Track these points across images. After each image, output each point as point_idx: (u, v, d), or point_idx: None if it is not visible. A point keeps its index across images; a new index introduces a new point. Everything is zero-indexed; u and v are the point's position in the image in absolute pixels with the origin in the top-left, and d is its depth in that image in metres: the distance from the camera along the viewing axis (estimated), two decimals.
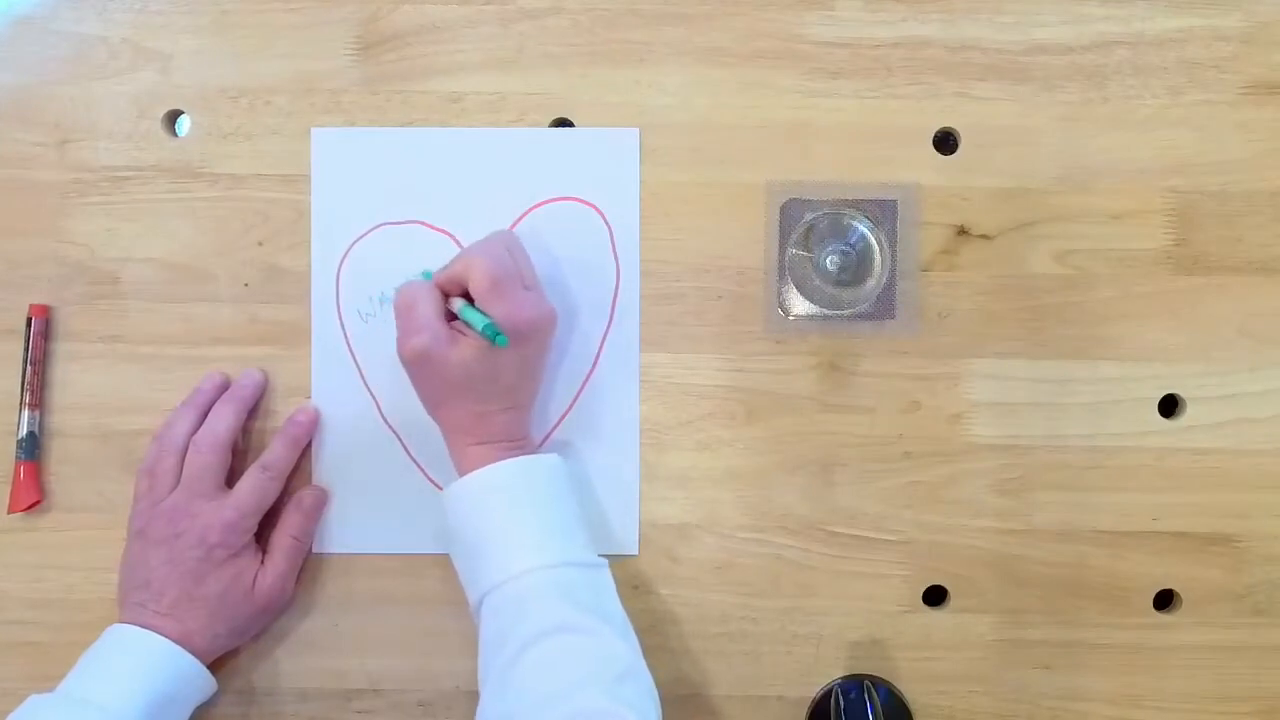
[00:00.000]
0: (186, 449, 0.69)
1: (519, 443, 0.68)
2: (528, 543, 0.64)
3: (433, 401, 0.68)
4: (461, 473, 0.67)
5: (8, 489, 0.72)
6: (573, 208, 0.73)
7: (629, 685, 0.61)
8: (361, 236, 0.73)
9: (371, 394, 0.73)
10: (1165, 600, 0.73)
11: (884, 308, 0.72)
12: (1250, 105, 0.72)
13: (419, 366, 0.66)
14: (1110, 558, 0.72)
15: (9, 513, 0.72)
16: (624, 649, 0.62)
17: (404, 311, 0.66)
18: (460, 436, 0.67)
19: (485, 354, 0.65)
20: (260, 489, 0.69)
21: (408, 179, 0.73)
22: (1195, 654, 0.72)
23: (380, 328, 0.72)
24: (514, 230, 0.72)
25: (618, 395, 0.73)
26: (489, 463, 0.66)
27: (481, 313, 0.65)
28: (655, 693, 0.62)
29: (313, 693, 0.73)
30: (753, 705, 0.73)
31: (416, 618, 0.73)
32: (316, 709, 0.73)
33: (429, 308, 0.66)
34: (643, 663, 0.63)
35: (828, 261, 0.70)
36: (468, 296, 0.67)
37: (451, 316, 0.67)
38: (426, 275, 0.69)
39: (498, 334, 0.64)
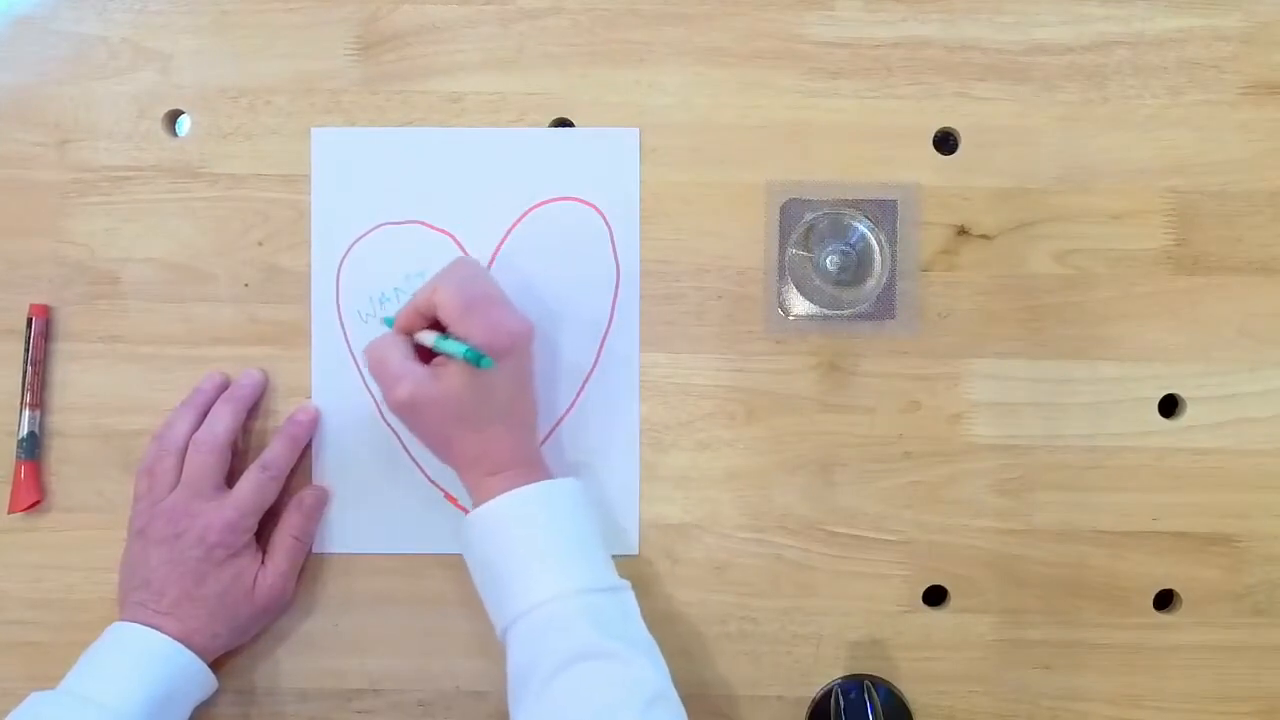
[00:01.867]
0: (186, 449, 0.69)
1: (531, 466, 0.68)
2: (550, 569, 0.64)
3: (438, 443, 0.67)
4: (479, 505, 0.66)
5: (8, 489, 0.72)
6: (573, 208, 0.73)
7: (659, 710, 0.60)
8: (361, 236, 0.73)
9: (372, 394, 0.73)
10: (1165, 600, 0.73)
11: (884, 308, 0.72)
12: (1250, 105, 0.72)
13: (411, 414, 0.66)
14: (1110, 558, 0.72)
15: (9, 513, 0.72)
16: (652, 673, 0.62)
17: (377, 368, 0.66)
18: (473, 471, 0.67)
19: (472, 379, 0.65)
20: (260, 488, 0.69)
21: (408, 179, 0.73)
22: (1195, 654, 0.72)
23: (380, 328, 0.72)
24: (507, 232, 0.72)
25: (618, 395, 0.73)
26: (507, 489, 0.65)
27: (457, 340, 0.64)
28: (684, 716, 0.61)
29: (313, 693, 0.73)
30: (753, 705, 0.73)
31: (416, 618, 0.73)
32: (316, 709, 0.73)
33: (399, 355, 0.66)
34: (671, 686, 0.62)
35: (828, 261, 0.70)
36: (437, 327, 0.66)
37: (426, 355, 0.67)
38: (389, 322, 0.68)
39: (481, 357, 0.63)
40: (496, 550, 0.65)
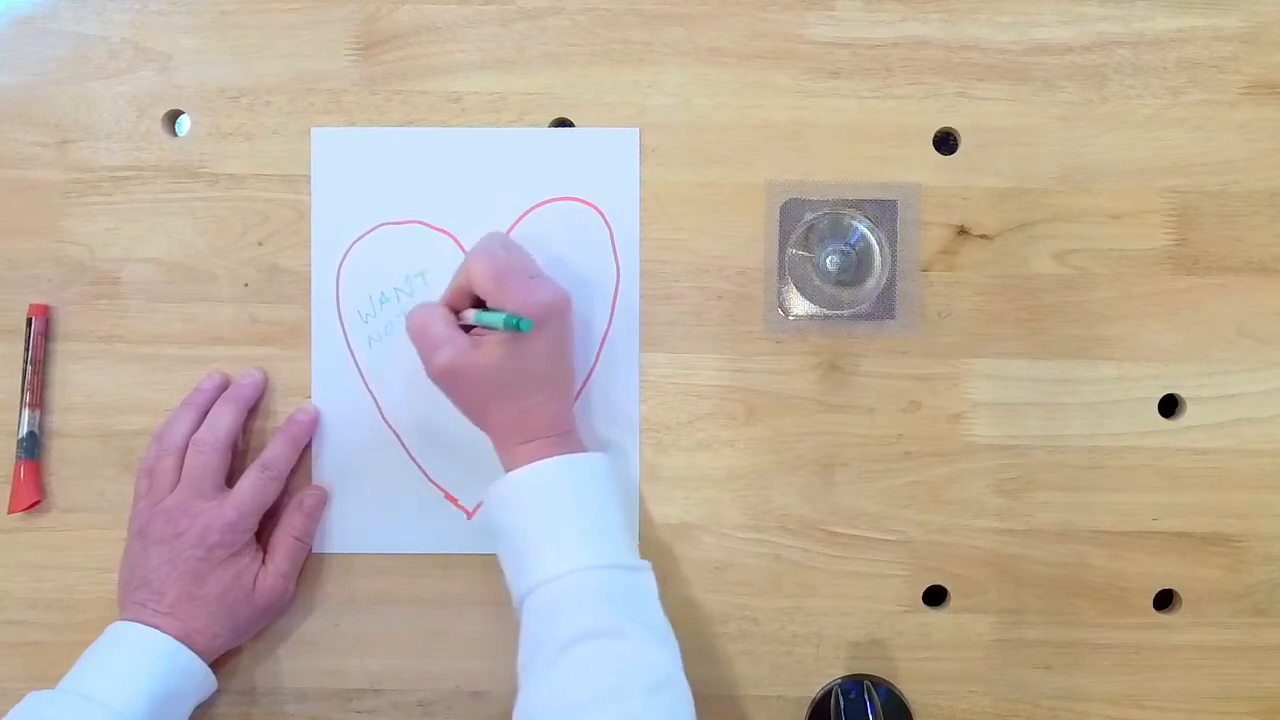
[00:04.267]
0: (186, 449, 0.69)
1: (565, 436, 0.67)
2: (569, 543, 0.64)
3: (475, 411, 0.67)
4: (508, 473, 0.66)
5: (8, 489, 0.72)
6: (573, 208, 0.73)
7: (665, 694, 0.60)
8: (361, 236, 0.73)
9: (371, 394, 0.73)
10: (1165, 600, 0.73)
11: (884, 308, 0.72)
12: (1250, 105, 0.72)
13: (451, 381, 0.66)
14: (1110, 558, 0.72)
15: (9, 513, 0.72)
16: (662, 656, 0.61)
17: (418, 334, 0.66)
18: (508, 439, 0.67)
19: (512, 348, 0.65)
20: (260, 489, 0.69)
21: (408, 179, 0.73)
22: (1195, 654, 0.72)
23: (380, 327, 0.72)
24: (508, 232, 0.72)
25: (618, 395, 0.73)
26: (537, 458, 0.65)
27: (495, 312, 0.65)
28: (691, 702, 0.61)
29: (313, 693, 0.73)
30: (753, 705, 0.73)
31: (416, 618, 0.73)
32: (316, 709, 0.73)
33: (441, 322, 0.66)
34: (681, 671, 0.62)
35: (828, 261, 0.70)
36: (478, 305, 0.67)
37: (469, 330, 0.67)
38: None
39: (520, 321, 0.63)
40: (518, 520, 0.65)
